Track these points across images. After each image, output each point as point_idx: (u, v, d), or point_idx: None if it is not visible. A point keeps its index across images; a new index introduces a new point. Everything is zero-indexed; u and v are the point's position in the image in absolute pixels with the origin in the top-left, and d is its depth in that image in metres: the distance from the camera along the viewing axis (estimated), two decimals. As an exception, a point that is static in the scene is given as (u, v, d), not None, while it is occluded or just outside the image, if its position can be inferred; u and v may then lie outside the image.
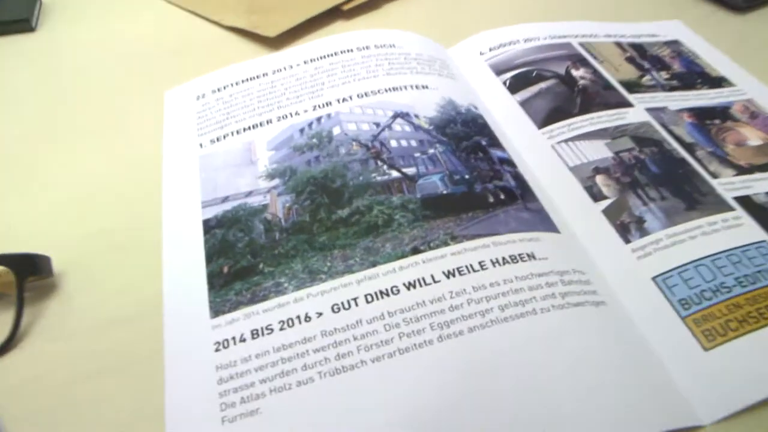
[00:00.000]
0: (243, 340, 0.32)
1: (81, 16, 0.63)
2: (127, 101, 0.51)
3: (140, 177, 0.44)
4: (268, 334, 0.32)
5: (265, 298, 0.33)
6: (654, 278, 0.35)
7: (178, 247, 0.38)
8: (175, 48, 0.57)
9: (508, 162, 0.41)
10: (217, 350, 0.32)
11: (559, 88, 0.48)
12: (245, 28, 0.57)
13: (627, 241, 0.37)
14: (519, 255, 0.34)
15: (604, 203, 0.40)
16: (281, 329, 0.32)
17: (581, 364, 0.30)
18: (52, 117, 0.50)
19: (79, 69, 0.55)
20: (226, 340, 0.32)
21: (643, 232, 0.38)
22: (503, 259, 0.34)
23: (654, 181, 0.41)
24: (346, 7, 0.59)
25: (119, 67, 0.55)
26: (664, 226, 0.38)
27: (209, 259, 0.36)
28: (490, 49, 0.52)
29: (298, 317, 0.32)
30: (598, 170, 0.42)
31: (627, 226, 0.38)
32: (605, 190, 0.40)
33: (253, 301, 0.33)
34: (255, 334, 0.32)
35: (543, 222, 0.37)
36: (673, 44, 0.55)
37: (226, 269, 0.35)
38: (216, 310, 0.33)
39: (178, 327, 0.33)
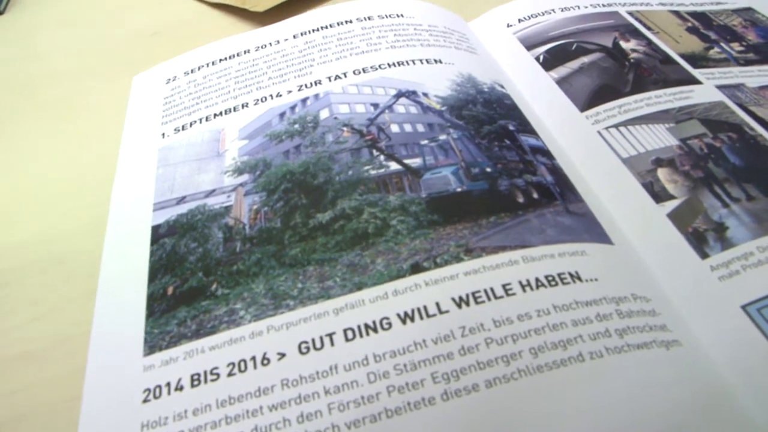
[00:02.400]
0: (180, 388, 0.24)
1: (57, -2, 0.56)
2: (91, 88, 0.44)
3: (92, 174, 0.36)
4: (213, 380, 0.23)
5: (213, 331, 0.25)
6: (745, 307, 0.26)
7: (118, 260, 0.30)
8: (154, 29, 0.50)
9: (543, 152, 0.32)
10: (145, 401, 0.24)
11: (606, 62, 0.39)
12: (232, 4, 0.49)
13: (704, 255, 0.28)
14: (559, 275, 0.25)
15: (671, 204, 0.30)
16: (230, 374, 0.23)
17: (651, 436, 0.21)
18: (2, 106, 0.42)
19: (45, 54, 0.48)
20: (159, 387, 0.24)
21: (726, 243, 0.28)
22: (537, 280, 0.25)
23: (735, 175, 0.31)
24: (349, -22, 0.51)
25: (89, 52, 0.48)
26: (755, 235, 0.28)
27: (153, 276, 0.28)
28: (520, 21, 0.43)
29: (254, 359, 0.24)
30: (660, 162, 0.32)
31: (703, 235, 0.29)
32: (671, 188, 0.31)
33: (198, 334, 0.25)
34: (196, 380, 0.24)
35: (590, 229, 0.28)
36: (745, 12, 0.45)
37: (170, 290, 0.27)
38: (151, 345, 0.25)
39: (103, 366, 0.25)
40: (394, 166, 0.30)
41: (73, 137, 0.39)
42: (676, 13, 0.44)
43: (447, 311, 0.24)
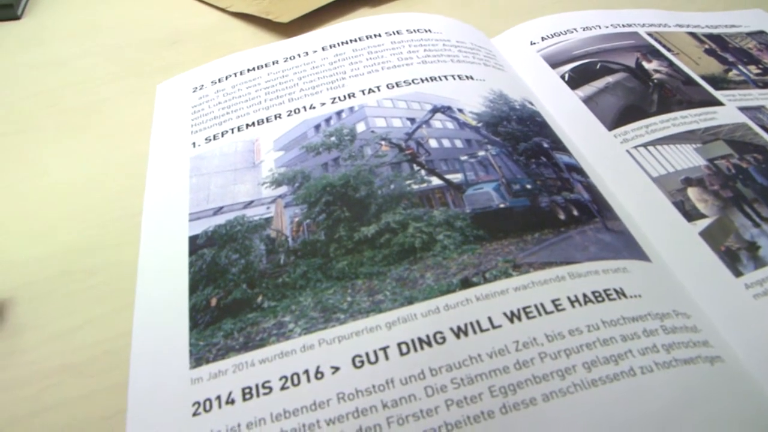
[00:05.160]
0: (231, 402, 0.23)
1: (73, 2, 0.56)
2: (114, 95, 0.43)
3: (120, 184, 0.36)
4: (265, 394, 0.23)
5: (262, 344, 0.25)
6: (781, 325, 0.26)
7: (156, 271, 0.29)
8: (175, 37, 0.50)
9: (577, 169, 0.32)
10: (195, 414, 0.23)
11: (631, 82, 0.40)
12: (255, 14, 0.49)
13: (738, 273, 0.28)
14: (605, 291, 0.25)
15: (702, 223, 0.31)
16: (283, 388, 0.23)
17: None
18: (25, 114, 0.42)
19: (65, 60, 0.48)
20: (209, 400, 0.24)
21: (759, 262, 0.29)
22: (584, 296, 0.25)
23: (764, 195, 0.32)
24: (371, -8, 0.51)
25: (110, 58, 0.48)
26: (788, 254, 0.29)
27: (194, 287, 0.28)
28: (543, 39, 0.44)
29: (307, 372, 0.24)
30: (689, 182, 0.33)
31: (735, 254, 0.29)
32: (702, 207, 0.32)
33: (246, 347, 0.25)
34: (247, 393, 0.23)
35: (629, 247, 0.28)
36: (759, 35, 0.47)
37: (214, 302, 0.27)
38: (198, 358, 0.25)
39: (148, 379, 0.25)
40: (435, 181, 0.30)
41: (99, 145, 0.39)
42: (693, 35, 0.46)
43: (500, 326, 0.24)
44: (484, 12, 0.51)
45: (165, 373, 0.25)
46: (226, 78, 0.40)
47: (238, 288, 0.27)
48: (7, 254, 0.32)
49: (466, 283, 0.25)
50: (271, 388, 0.23)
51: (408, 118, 0.34)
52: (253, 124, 0.36)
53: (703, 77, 0.40)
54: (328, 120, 0.35)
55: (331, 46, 0.41)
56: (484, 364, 0.23)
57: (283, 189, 0.31)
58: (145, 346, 0.26)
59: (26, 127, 0.41)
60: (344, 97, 0.36)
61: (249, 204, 0.31)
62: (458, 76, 0.37)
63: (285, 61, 0.41)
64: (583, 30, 0.44)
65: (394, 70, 0.37)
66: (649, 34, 0.45)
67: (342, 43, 0.41)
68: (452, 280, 0.26)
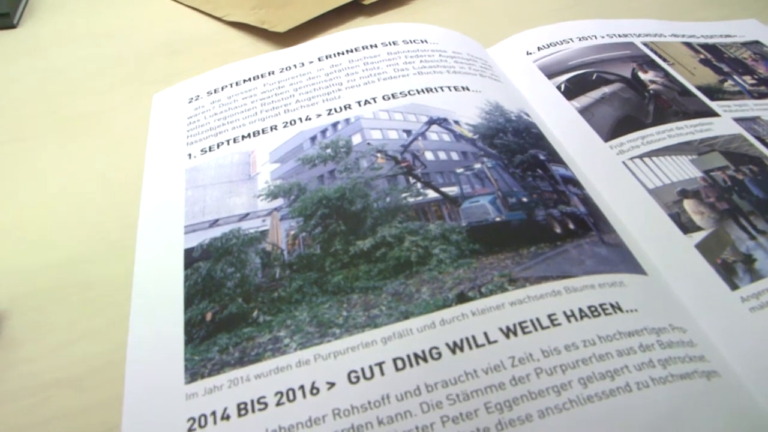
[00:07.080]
0: (226, 418, 0.23)
1: (70, 11, 0.56)
2: (109, 105, 0.43)
3: (115, 195, 0.36)
4: (261, 410, 0.23)
5: (258, 359, 0.25)
6: (777, 338, 0.26)
7: (151, 284, 0.29)
8: (171, 47, 0.50)
9: (573, 182, 0.32)
10: (190, 430, 0.23)
11: (627, 93, 0.40)
12: (252, 23, 0.49)
13: (734, 286, 0.28)
14: (601, 306, 0.25)
15: (698, 236, 0.31)
16: (278, 404, 0.23)
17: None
18: (21, 122, 0.42)
19: (62, 69, 0.48)
20: (204, 416, 0.24)
21: (755, 275, 0.29)
22: (580, 311, 0.25)
23: (760, 207, 0.32)
24: (367, 1, 0.51)
25: (106, 68, 0.48)
26: (783, 267, 0.29)
27: (189, 301, 0.28)
28: (539, 49, 0.44)
29: (302, 388, 0.24)
30: (685, 194, 0.33)
31: (732, 267, 0.29)
32: (698, 219, 0.32)
33: (242, 361, 0.25)
34: (242, 409, 0.23)
35: (625, 260, 0.28)
36: (754, 45, 0.47)
37: (209, 316, 0.27)
38: (193, 373, 0.25)
39: (142, 393, 0.25)
40: (431, 194, 0.30)
41: (95, 156, 0.39)
42: (689, 45, 0.46)
43: (495, 341, 0.24)
44: (481, 22, 0.51)
45: (160, 388, 0.25)
46: (222, 89, 0.40)
47: (233, 302, 0.27)
48: (4, 265, 0.32)
49: (461, 298, 0.25)
50: (266, 404, 0.23)
51: (404, 130, 0.34)
52: (249, 135, 0.36)
53: (699, 88, 0.41)
54: (324, 132, 0.35)
55: (327, 57, 0.41)
56: (479, 380, 0.23)
57: (279, 201, 0.31)
58: (140, 361, 0.26)
59: (22, 135, 0.41)
60: (340, 108, 0.36)
61: (245, 217, 0.31)
62: (454, 87, 0.37)
63: (281, 71, 0.41)
64: (579, 40, 0.44)
65: (390, 81, 0.37)
66: (645, 44, 0.45)
67: (338, 53, 0.41)
68: (448, 295, 0.25)
